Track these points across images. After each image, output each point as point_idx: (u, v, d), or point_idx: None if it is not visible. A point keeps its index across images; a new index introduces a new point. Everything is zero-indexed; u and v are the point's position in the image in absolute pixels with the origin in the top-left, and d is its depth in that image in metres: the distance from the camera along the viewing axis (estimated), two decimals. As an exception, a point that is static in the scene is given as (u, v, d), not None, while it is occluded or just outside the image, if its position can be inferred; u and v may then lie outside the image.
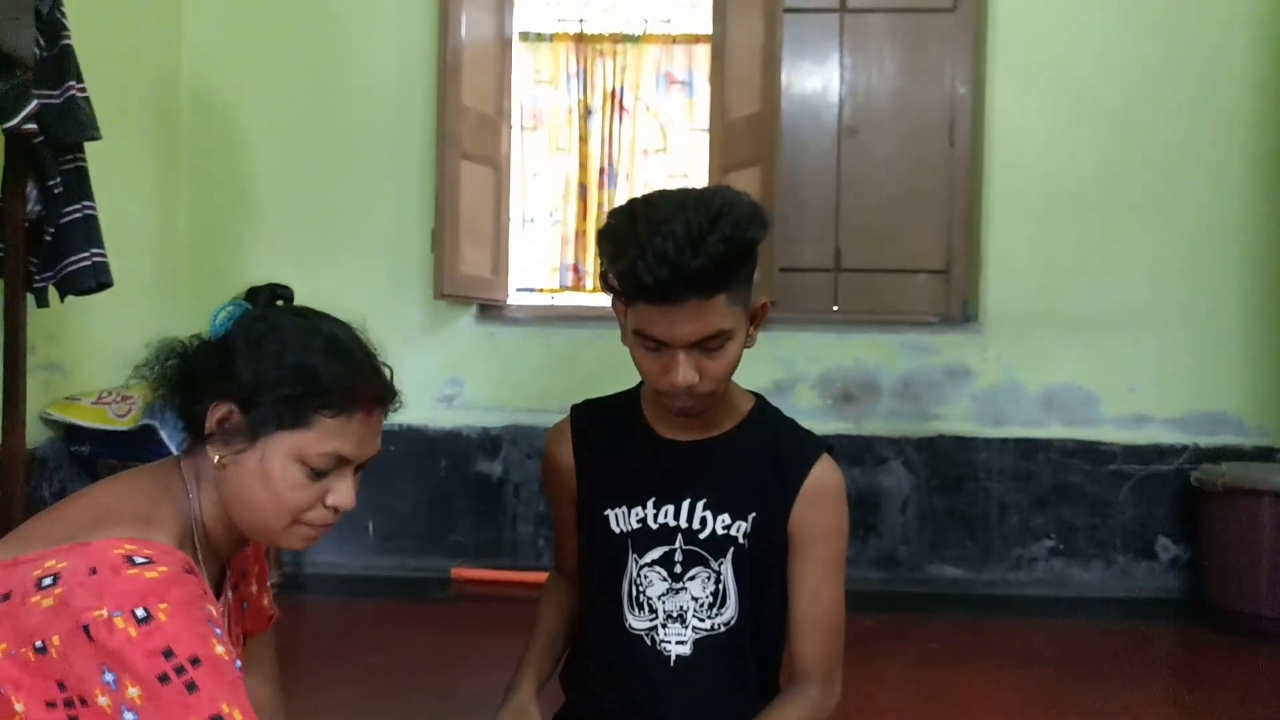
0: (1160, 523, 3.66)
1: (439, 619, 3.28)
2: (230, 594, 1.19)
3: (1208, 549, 3.45)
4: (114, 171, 3.02)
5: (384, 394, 1.11)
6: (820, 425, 3.58)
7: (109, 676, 0.92)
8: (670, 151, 4.69)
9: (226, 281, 3.71)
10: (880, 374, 3.75)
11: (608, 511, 1.39)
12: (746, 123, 3.58)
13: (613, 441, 1.41)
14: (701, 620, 1.36)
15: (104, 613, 0.93)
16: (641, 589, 1.38)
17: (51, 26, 2.42)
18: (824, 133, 3.90)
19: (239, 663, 0.99)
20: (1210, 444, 3.65)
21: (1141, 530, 3.67)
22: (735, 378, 1.36)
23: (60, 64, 2.44)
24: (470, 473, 3.78)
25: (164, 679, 0.92)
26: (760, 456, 1.37)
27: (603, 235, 1.24)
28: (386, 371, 1.12)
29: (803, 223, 3.84)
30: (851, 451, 3.65)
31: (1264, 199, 3.67)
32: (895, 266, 3.89)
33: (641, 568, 1.37)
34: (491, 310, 3.89)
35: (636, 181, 4.67)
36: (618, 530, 1.38)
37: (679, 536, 1.36)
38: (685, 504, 1.36)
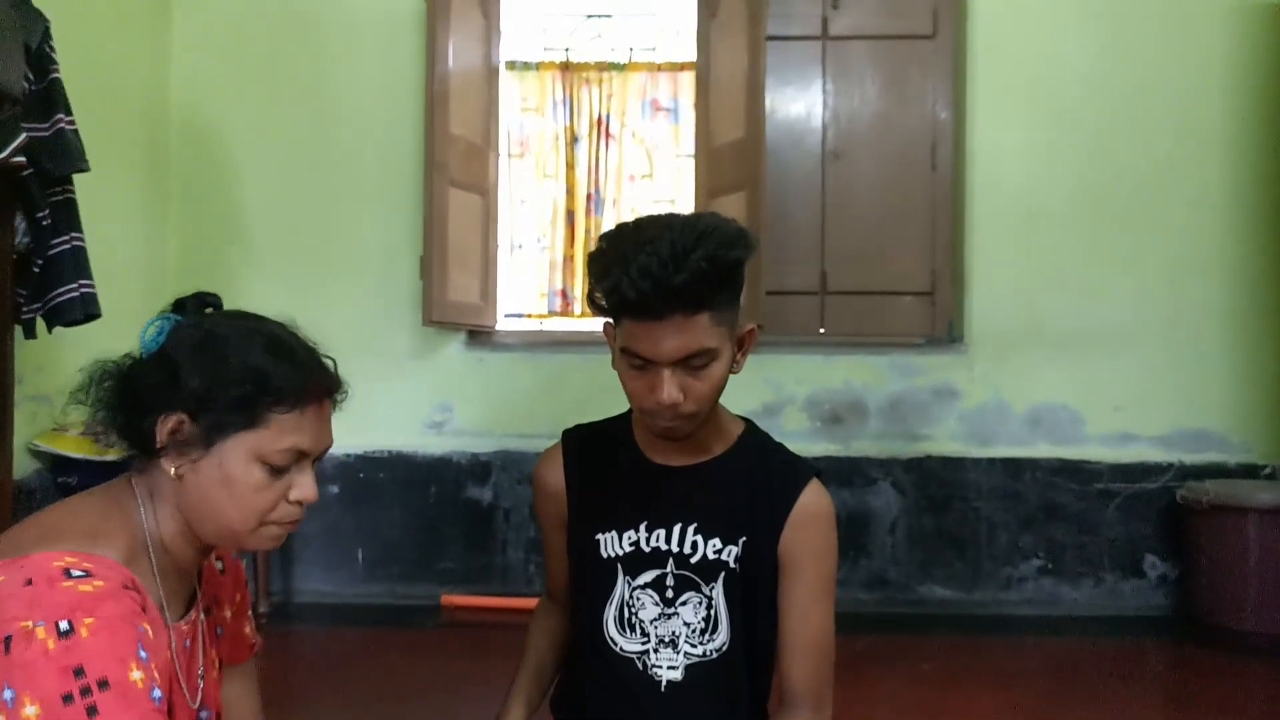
0: (1147, 540, 3.68)
1: (429, 646, 3.26)
2: (203, 617, 1.17)
3: (1194, 566, 3.47)
4: (103, 202, 3.03)
5: (332, 385, 1.12)
6: (808, 447, 3.61)
7: (8, 694, 0.90)
8: (656, 177, 4.71)
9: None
10: (868, 395, 3.77)
11: (599, 535, 1.40)
12: (731, 148, 3.62)
13: (604, 466, 1.42)
14: (694, 646, 1.36)
15: (29, 624, 0.91)
16: (634, 610, 1.38)
17: (40, 60, 2.44)
18: (808, 157, 3.94)
19: (158, 692, 0.96)
20: (1195, 461, 3.68)
21: (1129, 548, 3.69)
22: (724, 401, 1.37)
23: (49, 97, 2.45)
24: (460, 499, 3.78)
25: (68, 699, 0.90)
26: (750, 481, 1.37)
27: (592, 257, 1.26)
28: (330, 363, 1.13)
29: (788, 246, 3.87)
30: (840, 473, 3.67)
31: (1244, 217, 3.72)
32: (881, 289, 3.92)
33: (634, 589, 1.38)
34: (480, 336, 3.90)
35: (623, 207, 4.69)
36: (608, 554, 1.39)
37: (670, 560, 1.37)
38: (676, 528, 1.37)
